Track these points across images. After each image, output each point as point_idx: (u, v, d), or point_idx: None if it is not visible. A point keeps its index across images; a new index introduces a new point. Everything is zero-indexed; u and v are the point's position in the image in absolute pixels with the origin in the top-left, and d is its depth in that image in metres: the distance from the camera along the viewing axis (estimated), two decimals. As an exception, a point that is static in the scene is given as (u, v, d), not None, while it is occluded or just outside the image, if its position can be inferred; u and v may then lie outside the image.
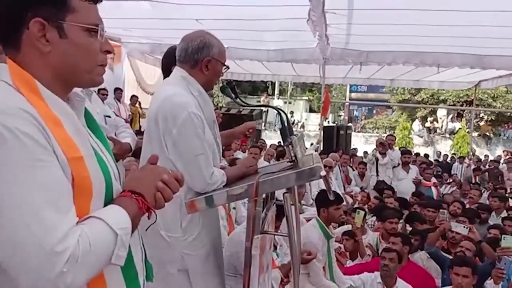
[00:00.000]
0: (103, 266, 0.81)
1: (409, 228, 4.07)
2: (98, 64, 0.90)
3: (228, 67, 1.81)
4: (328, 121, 17.58)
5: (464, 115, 17.96)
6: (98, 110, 2.60)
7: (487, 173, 8.47)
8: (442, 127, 18.71)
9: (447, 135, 17.85)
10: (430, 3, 4.29)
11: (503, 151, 14.79)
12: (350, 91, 22.36)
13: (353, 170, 6.91)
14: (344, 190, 6.14)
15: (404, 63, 7.01)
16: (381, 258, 2.97)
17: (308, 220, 3.48)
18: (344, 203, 4.34)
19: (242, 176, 1.77)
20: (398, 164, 6.11)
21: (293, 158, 1.62)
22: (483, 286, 2.98)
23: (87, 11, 0.86)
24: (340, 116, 23.69)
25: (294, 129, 1.84)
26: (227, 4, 4.76)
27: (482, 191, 6.47)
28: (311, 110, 23.77)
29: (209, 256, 1.76)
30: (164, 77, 2.02)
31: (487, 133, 17.97)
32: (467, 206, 5.03)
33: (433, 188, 6.26)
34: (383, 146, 6.06)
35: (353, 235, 3.62)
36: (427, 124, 18.82)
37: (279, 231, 2.67)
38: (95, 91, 2.98)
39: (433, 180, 6.43)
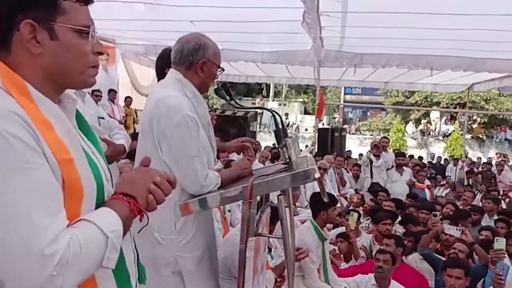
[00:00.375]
0: (94, 269, 0.80)
1: (403, 230, 4.09)
2: (90, 65, 0.90)
3: (223, 70, 1.81)
4: (323, 123, 17.65)
5: (457, 117, 18.12)
6: (92, 111, 2.58)
7: (480, 175, 8.54)
8: (435, 129, 18.88)
9: (441, 137, 18.01)
10: (424, 6, 4.33)
11: (496, 153, 14.94)
12: (345, 93, 22.48)
13: (348, 172, 6.93)
14: (339, 192, 6.16)
15: (398, 66, 7.05)
16: (375, 260, 2.98)
17: (302, 222, 3.48)
18: (339, 205, 4.35)
19: (236, 178, 1.77)
20: (392, 166, 6.14)
21: (288, 160, 1.62)
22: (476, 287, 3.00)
23: (78, 13, 0.85)
24: (334, 118, 23.78)
25: (288, 131, 1.85)
26: (222, 5, 4.76)
27: (475, 193, 6.51)
28: (305, 112, 23.86)
29: (203, 258, 1.75)
30: (158, 79, 2.02)
31: (480, 135, 18.15)
32: (461, 208, 5.06)
33: (426, 190, 6.29)
34: (378, 148, 6.09)
35: (347, 237, 3.63)
36: (421, 127, 18.97)
37: (273, 233, 2.67)
38: (88, 92, 2.96)
39: (427, 182, 6.47)
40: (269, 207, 2.02)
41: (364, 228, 4.39)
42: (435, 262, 3.35)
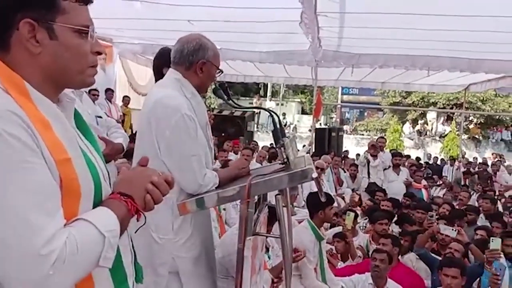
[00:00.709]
0: (90, 268, 0.81)
1: (398, 230, 4.11)
2: (89, 65, 0.90)
3: (222, 71, 1.82)
4: (320, 123, 17.65)
5: (454, 118, 18.19)
6: (89, 110, 2.57)
7: (476, 176, 8.58)
8: (432, 129, 18.94)
9: (437, 138, 18.07)
10: (421, 7, 4.34)
11: (492, 154, 15.01)
12: (342, 94, 22.49)
13: (345, 172, 6.95)
14: (336, 192, 6.17)
15: (395, 66, 7.07)
16: (372, 259, 2.99)
17: (299, 221, 3.49)
18: (336, 204, 4.36)
19: (234, 178, 1.77)
20: (389, 166, 6.16)
21: (285, 160, 1.63)
22: (472, 287, 3.01)
23: (78, 12, 0.85)
24: (332, 118, 23.81)
25: (286, 131, 1.85)
26: (220, 5, 4.75)
27: (471, 193, 6.55)
28: (303, 112, 23.85)
29: (201, 258, 1.75)
30: (156, 78, 2.02)
31: (477, 136, 18.22)
32: (457, 208, 5.08)
33: (423, 190, 6.32)
34: (375, 149, 6.11)
35: (344, 236, 3.64)
36: (418, 127, 19.02)
37: (271, 233, 2.68)
38: (86, 92, 2.95)
39: (423, 182, 6.50)
40: (266, 206, 2.02)
41: (361, 227, 4.40)
42: (431, 262, 3.37)
